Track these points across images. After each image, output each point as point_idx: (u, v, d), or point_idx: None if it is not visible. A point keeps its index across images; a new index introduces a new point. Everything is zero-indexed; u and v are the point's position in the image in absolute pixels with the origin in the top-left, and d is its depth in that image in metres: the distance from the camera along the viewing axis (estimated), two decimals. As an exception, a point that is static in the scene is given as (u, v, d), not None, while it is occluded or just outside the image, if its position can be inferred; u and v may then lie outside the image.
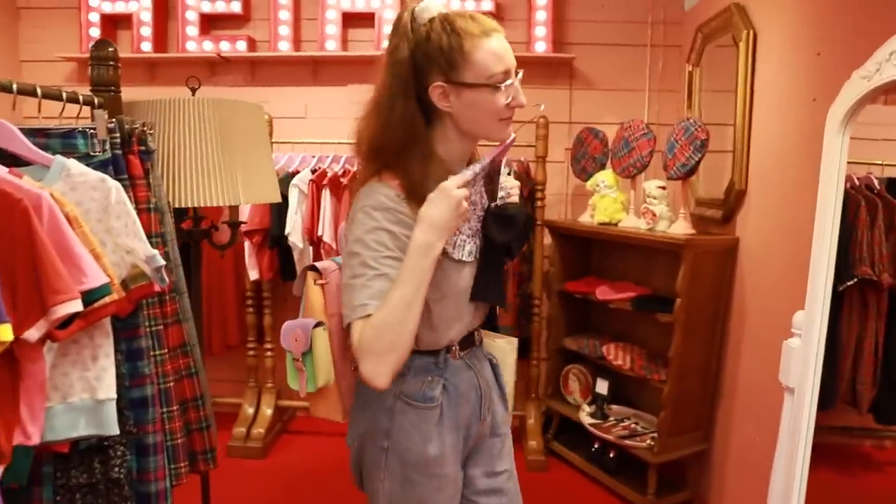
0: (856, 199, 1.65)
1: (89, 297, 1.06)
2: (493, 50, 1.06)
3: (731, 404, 2.40)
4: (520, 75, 1.12)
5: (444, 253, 1.10)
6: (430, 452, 1.15)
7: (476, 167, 1.11)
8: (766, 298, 2.18)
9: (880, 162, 1.73)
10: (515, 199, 1.21)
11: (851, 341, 1.76)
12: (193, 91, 1.73)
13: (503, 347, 1.38)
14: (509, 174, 1.32)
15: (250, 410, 3.13)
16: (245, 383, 3.20)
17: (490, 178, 1.20)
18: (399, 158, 1.09)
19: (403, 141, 1.09)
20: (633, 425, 2.72)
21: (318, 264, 1.26)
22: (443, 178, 1.08)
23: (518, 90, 1.10)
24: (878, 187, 1.71)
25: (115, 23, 3.28)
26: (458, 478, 1.22)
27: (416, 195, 1.07)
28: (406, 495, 1.16)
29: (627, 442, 2.56)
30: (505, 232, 1.16)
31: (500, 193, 1.21)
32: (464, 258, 1.14)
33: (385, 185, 1.08)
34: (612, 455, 2.67)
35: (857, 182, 1.69)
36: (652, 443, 2.48)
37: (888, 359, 1.76)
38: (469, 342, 1.24)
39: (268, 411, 3.12)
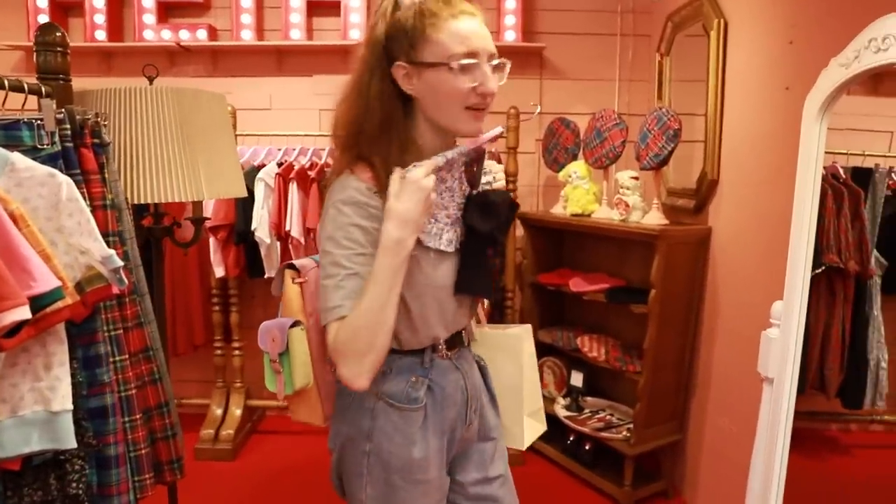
0: (823, 188, 1.66)
1: (39, 302, 0.98)
2: (457, 30, 1.02)
3: (704, 395, 2.41)
4: (496, 62, 1.07)
5: (420, 244, 1.06)
6: (415, 456, 1.11)
7: (448, 153, 1.06)
8: (738, 288, 2.18)
9: (845, 151, 1.74)
10: (501, 184, 1.20)
11: (819, 328, 1.78)
12: (151, 80, 1.63)
13: (517, 335, 1.34)
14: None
15: (218, 411, 3.03)
16: (213, 383, 3.11)
17: (473, 164, 1.15)
18: (375, 144, 1.06)
19: (380, 124, 1.06)
20: (608, 417, 2.71)
21: (296, 262, 1.22)
22: None
23: (487, 76, 1.04)
24: (844, 176, 1.73)
25: (66, 10, 3.13)
26: (442, 483, 1.18)
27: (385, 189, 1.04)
28: (389, 501, 1.12)
29: (603, 434, 2.56)
30: (487, 220, 1.11)
31: (484, 179, 1.17)
32: (442, 247, 1.09)
33: (356, 178, 1.04)
34: (588, 447, 2.66)
35: (823, 171, 1.70)
36: (628, 434, 2.48)
37: (854, 345, 1.79)
38: (457, 341, 1.19)
39: (237, 411, 3.04)
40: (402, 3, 1.06)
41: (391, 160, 1.04)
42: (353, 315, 0.98)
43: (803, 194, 1.45)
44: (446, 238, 1.10)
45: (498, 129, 1.13)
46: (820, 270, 1.69)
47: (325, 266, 1.02)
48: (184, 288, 3.05)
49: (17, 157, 1.08)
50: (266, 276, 2.92)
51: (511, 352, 1.34)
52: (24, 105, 1.23)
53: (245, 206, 2.79)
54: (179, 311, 3.05)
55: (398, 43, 1.05)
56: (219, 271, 2.93)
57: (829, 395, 1.82)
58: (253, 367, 3.24)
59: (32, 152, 1.13)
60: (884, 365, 1.78)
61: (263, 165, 2.87)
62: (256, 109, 3.14)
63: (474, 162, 1.14)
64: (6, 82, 1.16)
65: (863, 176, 1.75)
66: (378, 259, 0.98)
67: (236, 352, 3.07)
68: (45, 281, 0.98)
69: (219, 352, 3.06)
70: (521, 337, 1.34)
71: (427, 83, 1.05)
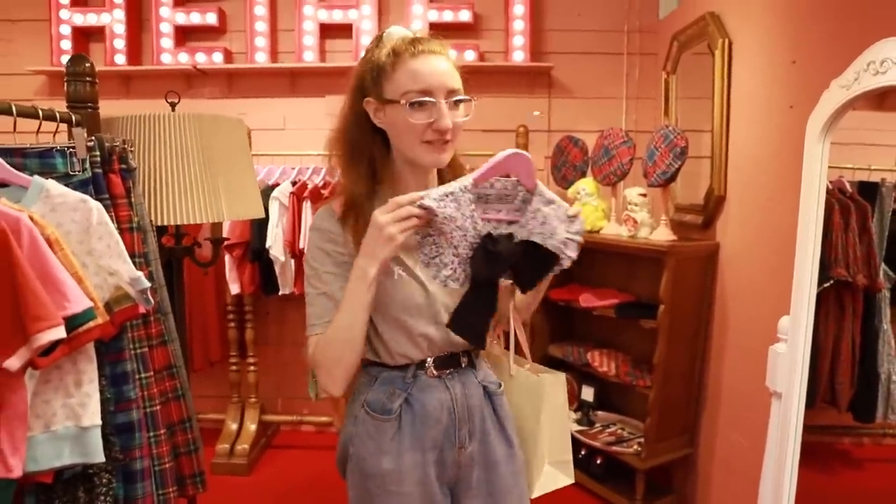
0: (829, 202, 1.68)
1: (73, 322, 1.03)
2: (414, 69, 1.08)
3: (715, 408, 2.42)
4: (461, 99, 1.11)
5: (403, 270, 1.14)
6: (384, 466, 1.15)
7: (444, 188, 1.06)
8: (747, 303, 2.20)
9: (851, 166, 1.76)
10: (556, 233, 1.11)
11: (829, 342, 1.79)
12: (173, 106, 1.70)
13: (540, 382, 1.29)
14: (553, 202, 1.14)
15: (234, 426, 3.07)
16: (228, 399, 3.15)
17: (522, 201, 1.11)
18: (348, 168, 1.16)
19: (352, 152, 1.16)
20: (619, 431, 2.73)
21: None
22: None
23: (442, 113, 1.08)
24: (850, 191, 1.75)
25: (88, 35, 3.22)
26: (428, 501, 1.17)
27: (353, 213, 1.14)
28: None
29: (614, 448, 2.57)
30: (486, 267, 1.08)
31: (531, 223, 1.11)
32: (438, 280, 1.09)
33: (329, 205, 1.17)
34: (599, 461, 2.68)
35: (830, 186, 1.72)
36: (639, 448, 2.50)
37: (865, 358, 1.79)
38: (450, 363, 1.20)
39: (252, 426, 3.08)
40: (383, 39, 1.14)
41: (360, 187, 1.14)
42: (327, 331, 1.10)
43: (808, 211, 1.48)
44: (445, 273, 1.09)
45: (508, 152, 1.08)
46: (829, 284, 1.70)
47: (305, 281, 1.17)
48: (200, 305, 3.11)
49: (52, 184, 1.14)
50: (280, 293, 2.98)
51: (531, 395, 1.31)
52: (55, 132, 1.29)
53: (260, 224, 2.85)
54: (196, 327, 3.10)
55: (369, 79, 1.12)
56: (234, 288, 2.98)
57: (841, 408, 1.82)
58: (267, 382, 3.29)
59: (65, 178, 1.19)
60: (895, 378, 1.79)
61: (278, 184, 2.93)
62: (271, 130, 3.21)
63: (521, 196, 1.10)
64: (41, 112, 1.23)
65: (869, 190, 1.77)
66: (348, 283, 1.08)
67: (251, 367, 3.12)
68: (78, 302, 1.03)
69: (234, 368, 3.11)
70: (544, 383, 1.30)
71: (389, 118, 1.12)
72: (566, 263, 1.14)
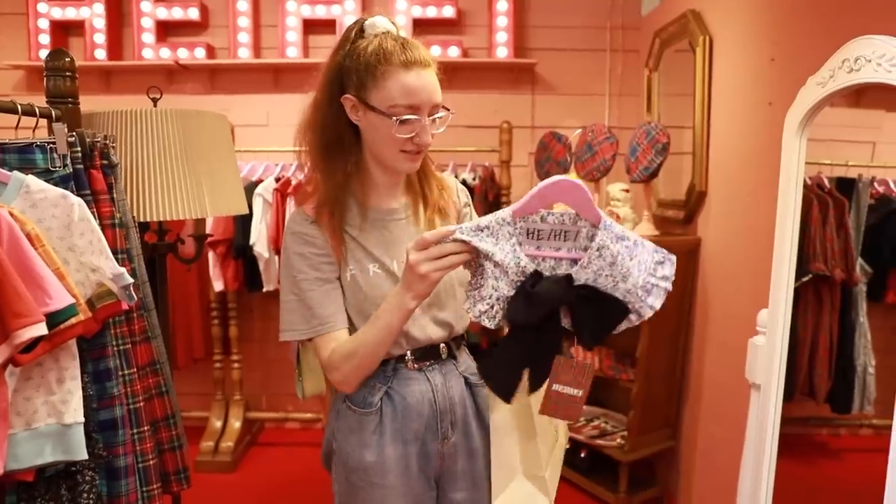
0: (808, 197, 1.70)
1: (54, 318, 1.03)
2: (405, 83, 1.06)
3: (696, 402, 2.46)
4: (440, 115, 1.11)
5: (360, 266, 1.15)
6: (367, 459, 1.15)
7: (477, 221, 0.96)
8: (727, 297, 2.24)
9: (829, 162, 1.79)
10: (629, 276, 0.96)
11: (808, 335, 1.82)
12: (155, 101, 1.68)
13: (546, 430, 1.20)
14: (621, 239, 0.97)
15: (218, 424, 3.06)
16: (212, 396, 3.14)
17: (588, 237, 0.97)
18: (324, 162, 1.15)
19: (329, 146, 1.14)
20: (602, 425, 2.76)
21: None
22: (362, 199, 1.16)
23: (424, 129, 1.08)
24: (828, 186, 1.78)
25: (67, 29, 3.18)
26: (412, 492, 1.18)
27: (329, 208, 1.14)
28: (351, 500, 1.18)
29: (598, 441, 2.60)
30: (522, 310, 0.96)
31: (595, 263, 0.95)
32: (472, 314, 1.01)
33: (300, 208, 1.17)
34: (583, 455, 2.70)
35: (808, 181, 1.75)
36: (622, 441, 2.52)
37: (842, 350, 1.82)
38: (429, 355, 1.21)
39: (236, 424, 3.07)
40: (366, 30, 1.11)
41: (336, 181, 1.13)
42: (353, 343, 1.11)
43: (786, 206, 1.51)
44: (480, 308, 0.99)
45: (542, 184, 0.95)
46: (807, 279, 1.73)
47: (281, 286, 1.18)
48: (183, 302, 3.09)
49: (32, 180, 1.13)
50: (264, 290, 2.97)
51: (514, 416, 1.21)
52: (35, 127, 1.28)
53: (244, 221, 2.84)
54: (179, 325, 3.08)
55: (351, 76, 1.09)
56: (218, 285, 2.97)
57: (819, 400, 1.85)
58: (252, 379, 3.27)
59: (45, 174, 1.18)
60: (871, 370, 1.82)
61: (261, 181, 2.92)
62: (254, 126, 3.20)
63: (559, 235, 0.97)
64: (20, 107, 1.21)
65: (846, 186, 1.80)
66: (384, 307, 1.07)
67: (235, 365, 3.11)
68: (60, 298, 1.03)
69: (218, 365, 3.10)
70: (550, 433, 1.22)
71: (369, 122, 1.11)
72: (647, 314, 0.99)
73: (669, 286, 0.98)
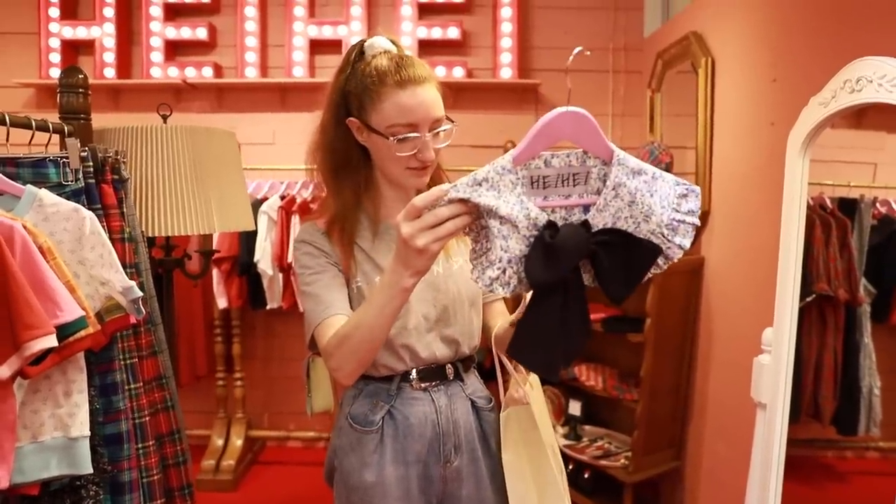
0: (811, 218, 1.71)
1: (64, 331, 1.03)
2: (400, 102, 1.06)
3: (701, 421, 2.45)
4: (444, 128, 1.11)
5: (368, 278, 1.14)
6: (367, 479, 1.14)
7: (474, 174, 0.82)
8: (732, 317, 2.23)
9: (831, 182, 1.81)
10: (652, 214, 0.83)
11: (812, 355, 1.82)
12: (165, 118, 1.71)
13: (511, 416, 1.18)
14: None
15: (220, 442, 3.05)
16: (214, 414, 3.12)
17: (600, 178, 0.84)
18: (334, 182, 1.17)
19: (338, 167, 1.16)
20: (606, 445, 2.73)
21: None
22: (373, 214, 1.17)
23: (425, 145, 1.08)
24: (831, 206, 1.79)
25: (77, 48, 3.23)
26: None
27: (339, 225, 1.15)
28: None
29: (602, 462, 2.58)
30: (545, 267, 0.82)
31: (613, 204, 0.83)
32: (482, 283, 0.85)
33: (313, 222, 1.19)
34: (587, 475, 2.68)
35: (811, 202, 1.76)
36: (626, 462, 2.51)
37: (847, 371, 1.82)
38: (435, 375, 1.19)
39: (238, 442, 3.05)
40: (366, 51, 1.13)
41: (346, 199, 1.15)
42: (345, 327, 1.03)
43: (789, 224, 1.51)
44: (490, 275, 0.83)
45: (543, 120, 0.81)
46: (811, 299, 1.73)
47: (298, 295, 1.16)
48: (187, 319, 3.09)
49: (45, 194, 1.14)
50: (268, 308, 2.97)
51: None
52: (48, 143, 1.30)
53: (248, 238, 2.86)
54: (183, 342, 3.08)
55: (353, 98, 1.11)
56: (222, 302, 2.97)
57: (824, 422, 1.84)
58: (254, 397, 3.26)
59: (58, 188, 1.19)
60: (876, 392, 1.81)
61: (266, 199, 2.94)
62: (260, 144, 3.23)
63: (568, 179, 0.84)
64: (34, 122, 1.23)
65: (849, 206, 1.80)
66: (374, 289, 1.01)
67: (238, 383, 3.10)
68: (70, 311, 1.03)
69: (221, 383, 3.09)
70: (509, 417, 1.19)
71: (373, 143, 1.13)
72: (675, 255, 0.86)
73: (697, 221, 0.86)
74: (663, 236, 0.85)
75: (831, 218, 1.79)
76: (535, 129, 0.82)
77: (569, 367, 0.91)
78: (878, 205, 1.80)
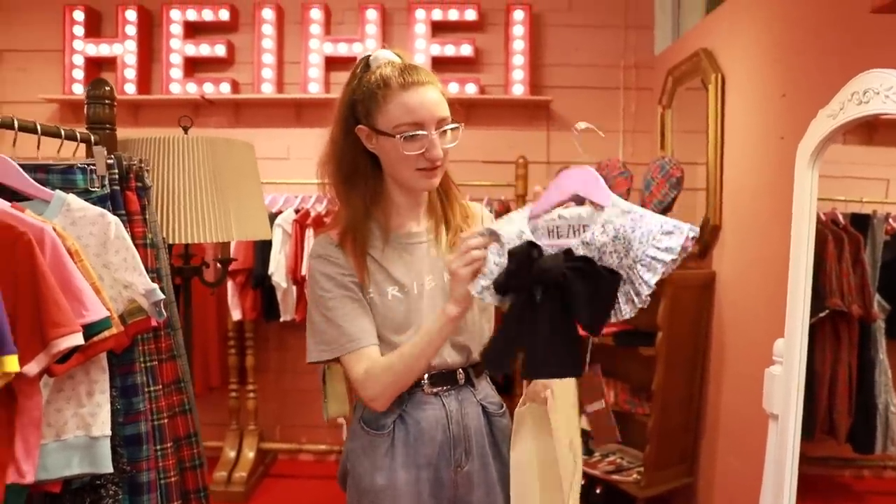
0: (823, 233, 1.72)
1: (89, 330, 1.06)
2: (405, 102, 1.11)
3: (713, 436, 2.43)
4: (449, 128, 1.15)
5: (378, 289, 1.17)
6: (378, 482, 1.16)
7: (504, 218, 1.02)
8: (744, 330, 2.23)
9: (843, 198, 1.81)
10: (630, 250, 0.91)
11: (826, 371, 1.81)
12: (186, 130, 1.76)
13: (567, 470, 1.17)
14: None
15: (232, 454, 3.06)
16: (226, 426, 3.14)
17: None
18: (345, 192, 1.19)
19: (349, 177, 1.19)
20: (618, 460, 2.72)
21: None
22: (384, 224, 1.20)
23: (433, 143, 1.12)
24: (843, 222, 1.80)
25: (100, 65, 3.32)
26: None
27: (352, 234, 1.17)
28: None
29: (614, 477, 2.57)
30: (514, 275, 0.96)
31: (599, 239, 0.93)
32: (475, 291, 1.01)
33: (326, 234, 1.21)
34: (598, 491, 2.67)
35: (823, 217, 1.77)
36: (638, 477, 2.49)
37: (862, 388, 1.81)
38: (446, 380, 1.21)
39: (250, 454, 3.06)
40: (371, 64, 1.17)
41: (357, 209, 1.18)
42: (391, 356, 1.13)
43: (799, 236, 1.52)
44: (481, 283, 0.99)
45: (554, 184, 1.00)
46: (824, 314, 1.74)
47: (309, 311, 1.21)
48: (201, 329, 3.13)
49: (73, 199, 1.18)
50: (281, 320, 3.00)
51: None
52: (75, 152, 1.34)
53: (263, 250, 2.90)
54: (197, 351, 3.11)
55: (360, 107, 1.15)
56: (236, 314, 3.00)
57: (840, 439, 1.82)
58: (266, 409, 3.28)
59: (85, 194, 1.23)
60: (893, 409, 1.79)
61: (281, 212, 2.99)
62: (275, 159, 3.28)
63: (578, 230, 0.97)
64: (63, 131, 1.28)
65: (861, 222, 1.81)
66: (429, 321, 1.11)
67: (250, 394, 3.12)
68: (96, 310, 1.07)
69: (233, 394, 3.11)
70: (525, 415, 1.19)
71: (381, 146, 1.16)
72: (643, 290, 0.90)
73: (670, 257, 0.88)
74: (637, 273, 0.89)
75: (844, 233, 1.79)
76: (548, 191, 0.98)
77: (529, 377, 1.02)
78: (890, 220, 1.80)
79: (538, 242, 0.96)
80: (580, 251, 0.92)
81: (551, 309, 0.93)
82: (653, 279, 0.89)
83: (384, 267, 1.19)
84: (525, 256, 0.93)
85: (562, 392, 1.21)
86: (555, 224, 0.97)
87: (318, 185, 1.25)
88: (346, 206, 1.19)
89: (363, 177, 1.19)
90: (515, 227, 0.98)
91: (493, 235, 0.99)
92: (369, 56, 1.18)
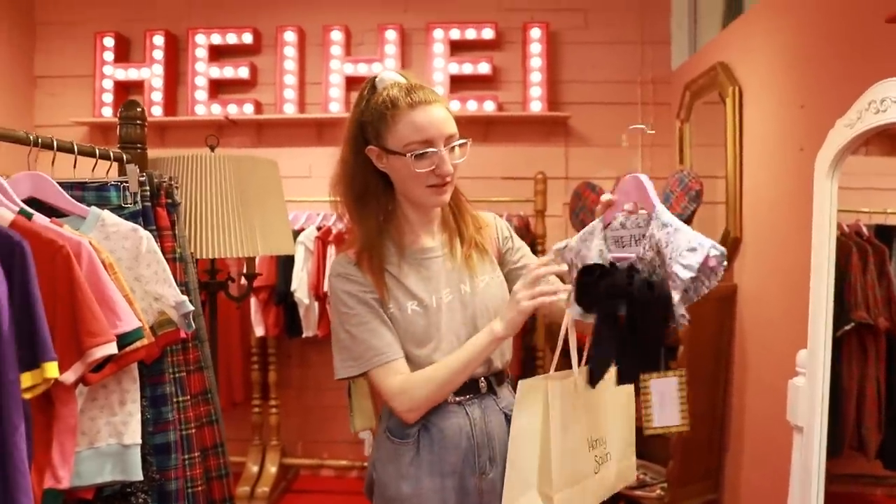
0: (847, 245, 1.71)
1: (122, 340, 1.10)
2: (413, 121, 1.13)
3: (738, 451, 2.40)
4: (457, 143, 1.17)
5: (397, 303, 1.20)
6: (403, 490, 1.17)
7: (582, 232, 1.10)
8: (766, 343, 2.22)
9: (867, 210, 1.80)
10: (665, 264, 0.95)
11: (853, 385, 1.78)
12: (212, 148, 1.81)
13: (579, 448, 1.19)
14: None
15: (254, 469, 3.08)
16: (249, 441, 3.17)
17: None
18: (358, 211, 1.22)
19: (361, 197, 1.22)
20: (641, 476, 2.69)
21: None
22: (399, 240, 1.22)
23: (442, 159, 1.14)
24: (867, 234, 1.78)
25: (128, 89, 3.42)
26: None
27: (368, 253, 1.20)
28: None
29: (637, 493, 2.54)
30: (583, 299, 1.04)
31: (648, 254, 0.99)
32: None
33: (344, 254, 1.24)
34: (621, 507, 2.64)
35: (846, 229, 1.76)
36: (662, 493, 2.47)
37: (892, 402, 1.78)
38: (468, 389, 1.22)
39: (272, 469, 3.08)
40: (377, 86, 1.20)
41: (371, 228, 1.20)
42: (430, 370, 1.17)
43: (820, 245, 1.52)
44: (563, 297, 1.10)
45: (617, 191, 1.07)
46: (850, 327, 1.72)
47: (334, 329, 1.23)
48: (225, 345, 3.16)
49: (107, 214, 1.23)
50: (304, 336, 3.03)
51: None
52: (108, 170, 1.40)
53: (285, 267, 2.94)
54: (221, 367, 3.15)
55: (369, 127, 1.18)
56: (259, 331, 3.04)
57: (869, 455, 1.79)
58: (289, 425, 3.30)
59: (118, 210, 1.28)
60: (925, 425, 1.77)
61: (303, 230, 3.03)
62: (297, 177, 3.33)
63: (638, 239, 1.02)
64: (97, 151, 1.33)
65: (886, 233, 1.79)
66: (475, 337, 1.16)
67: (273, 410, 3.15)
68: (128, 321, 1.10)
69: (256, 410, 3.14)
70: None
71: (391, 165, 1.18)
72: (678, 305, 0.93)
73: (689, 275, 0.88)
74: (665, 284, 0.95)
75: (868, 245, 1.77)
76: (617, 194, 1.05)
77: (625, 382, 1.06)
78: (915, 231, 1.78)
79: (609, 255, 1.04)
80: (639, 265, 0.99)
81: (629, 319, 0.98)
82: (675, 296, 0.91)
83: (402, 282, 1.21)
84: (597, 277, 0.99)
85: (613, 399, 1.28)
86: (619, 235, 1.04)
87: (331, 204, 1.28)
88: (360, 225, 1.22)
89: (375, 195, 1.22)
90: (595, 246, 1.05)
91: (559, 256, 1.09)
92: (375, 78, 1.21)
